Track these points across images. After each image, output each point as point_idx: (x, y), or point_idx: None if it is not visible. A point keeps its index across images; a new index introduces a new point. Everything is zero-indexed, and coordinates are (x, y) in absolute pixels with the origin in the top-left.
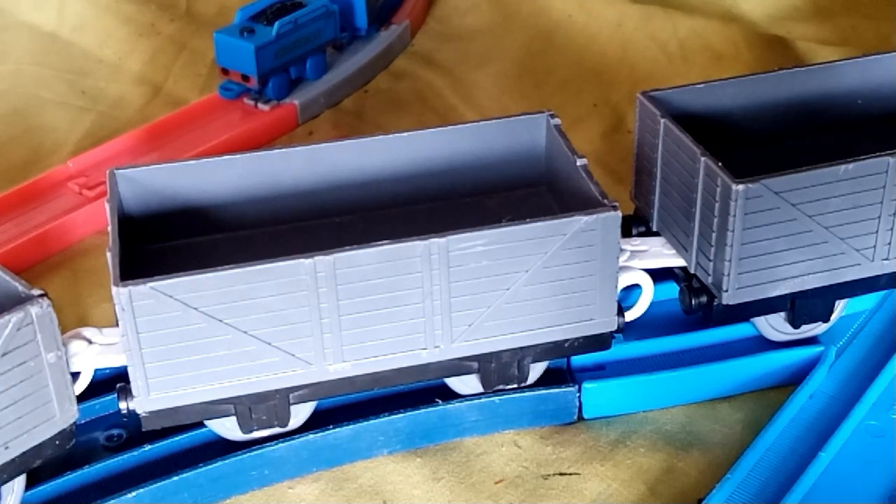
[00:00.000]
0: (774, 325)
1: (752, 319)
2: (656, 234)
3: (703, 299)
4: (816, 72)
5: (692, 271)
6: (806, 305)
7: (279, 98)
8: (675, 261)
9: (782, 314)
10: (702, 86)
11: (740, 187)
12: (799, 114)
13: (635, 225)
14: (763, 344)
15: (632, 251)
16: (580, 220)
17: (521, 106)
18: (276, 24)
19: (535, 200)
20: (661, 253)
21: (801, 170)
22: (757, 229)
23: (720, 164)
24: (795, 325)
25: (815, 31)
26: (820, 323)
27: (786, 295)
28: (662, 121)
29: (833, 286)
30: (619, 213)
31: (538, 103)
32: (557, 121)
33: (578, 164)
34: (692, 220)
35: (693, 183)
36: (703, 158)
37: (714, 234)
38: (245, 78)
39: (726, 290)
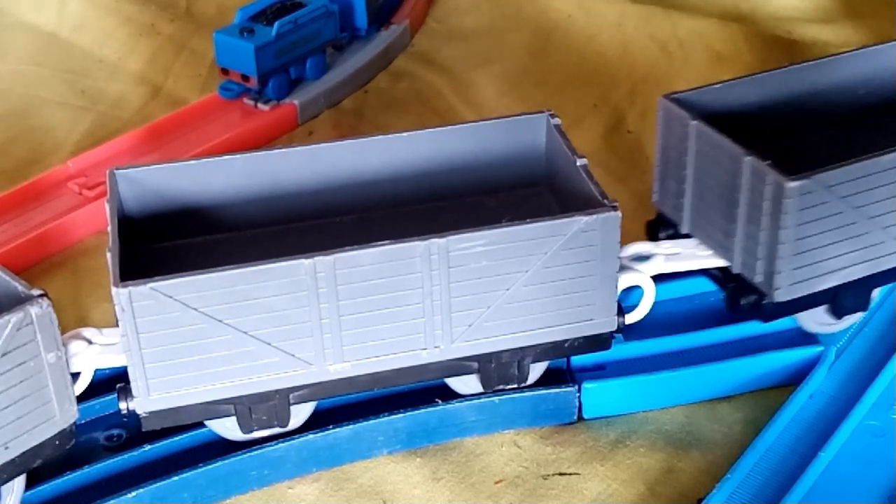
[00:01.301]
0: (815, 318)
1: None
2: (685, 236)
3: (752, 298)
4: (820, 65)
5: (737, 271)
6: (848, 296)
7: (279, 98)
8: (713, 261)
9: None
10: (719, 85)
11: (793, 184)
12: (803, 107)
13: (661, 229)
14: (763, 344)
15: (665, 255)
16: (580, 221)
17: (521, 106)
18: (276, 24)
19: (535, 200)
20: (696, 255)
21: (848, 162)
22: (807, 225)
23: (769, 162)
24: (839, 316)
25: (815, 30)
26: (859, 312)
27: (830, 287)
28: (693, 123)
29: (873, 276)
30: (619, 213)
31: (538, 103)
32: (557, 121)
33: (578, 164)
34: (734, 221)
35: (734, 183)
36: (748, 158)
37: (763, 233)
38: (245, 78)
39: (779, 288)
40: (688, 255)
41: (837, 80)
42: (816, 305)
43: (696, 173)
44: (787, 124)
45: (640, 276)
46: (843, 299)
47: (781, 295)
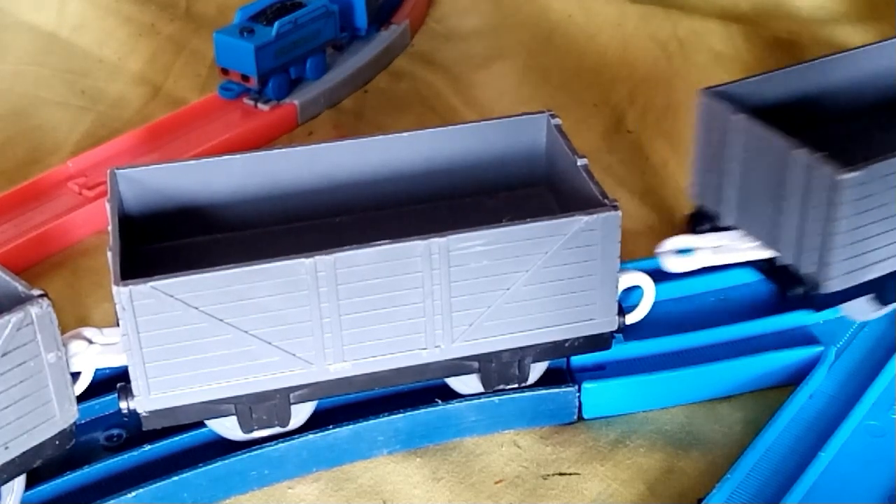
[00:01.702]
0: (860, 307)
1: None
2: (725, 228)
3: (802, 289)
4: (850, 57)
5: (786, 262)
6: (892, 285)
7: (279, 98)
8: (759, 253)
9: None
10: (757, 78)
11: (847, 176)
12: (831, 99)
13: (699, 223)
14: (763, 344)
15: (711, 247)
16: (580, 220)
17: (521, 106)
18: (276, 24)
19: (535, 200)
20: (741, 247)
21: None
22: (858, 216)
23: (821, 154)
24: (885, 303)
25: (815, 30)
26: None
27: (877, 277)
28: (738, 116)
29: None
30: (620, 213)
31: (538, 103)
32: (558, 121)
33: (579, 163)
34: (783, 213)
35: (782, 175)
36: (799, 150)
37: (815, 225)
38: (245, 78)
39: (831, 278)
40: (733, 246)
41: (866, 72)
42: (864, 294)
43: (743, 167)
44: (816, 116)
45: (640, 276)
46: (889, 288)
47: (832, 285)
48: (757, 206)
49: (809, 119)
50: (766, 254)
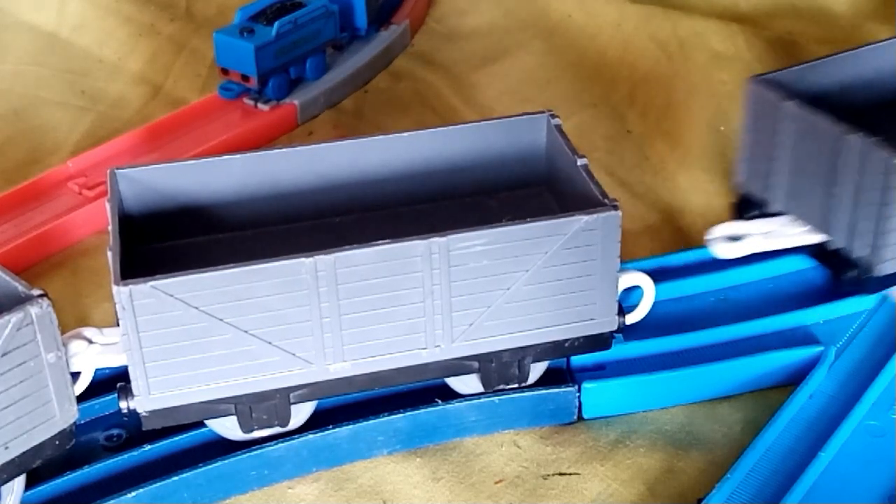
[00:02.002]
0: None
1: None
2: (772, 215)
3: (854, 272)
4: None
5: (839, 246)
6: None
7: (279, 98)
8: (810, 237)
9: None
10: (804, 66)
11: None
12: (867, 88)
13: (746, 209)
14: (763, 344)
15: (761, 233)
16: (580, 220)
17: (521, 106)
18: (276, 24)
19: (535, 200)
20: (791, 232)
21: None
22: None
23: (877, 139)
24: None
25: (814, 30)
26: None
27: None
28: (789, 103)
29: None
30: (620, 213)
31: (538, 103)
32: (558, 121)
33: (579, 163)
34: (835, 197)
35: (835, 160)
36: (854, 136)
37: (869, 209)
38: (245, 78)
39: (884, 261)
40: (783, 232)
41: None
42: None
43: (792, 152)
44: (858, 103)
45: (640, 276)
46: None
47: (886, 268)
48: (808, 191)
49: (853, 106)
50: (816, 238)
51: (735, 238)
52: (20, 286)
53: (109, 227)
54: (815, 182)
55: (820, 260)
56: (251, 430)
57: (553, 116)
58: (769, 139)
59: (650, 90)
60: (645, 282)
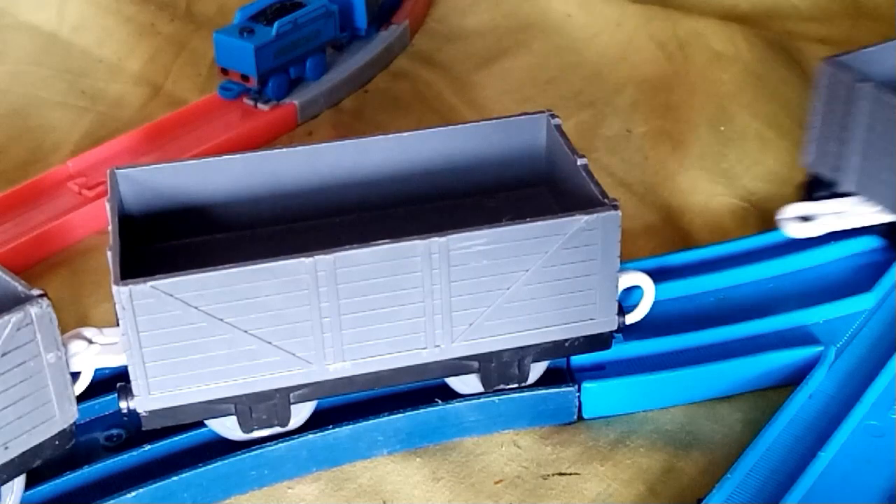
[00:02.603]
0: None
1: None
2: (841, 195)
3: None
4: None
5: None
6: None
7: (279, 98)
8: (882, 217)
9: None
10: (876, 47)
11: None
12: None
13: (816, 190)
14: (763, 344)
15: (833, 213)
16: (580, 220)
17: (521, 105)
18: (276, 24)
19: (535, 200)
20: (863, 212)
21: None
22: None
23: None
24: None
25: (814, 30)
26: None
27: None
28: (865, 84)
29: None
30: (620, 213)
31: (538, 103)
32: (558, 120)
33: (579, 163)
34: None
35: None
36: None
37: None
38: (245, 78)
39: None
40: (855, 212)
41: None
42: None
43: (866, 133)
44: None
45: (640, 276)
46: None
47: None
48: (881, 171)
49: None
50: (889, 218)
51: (807, 218)
52: (20, 286)
53: (109, 227)
54: (888, 163)
55: (891, 240)
56: (251, 430)
57: (553, 116)
58: (842, 120)
59: (650, 90)
60: (645, 282)
